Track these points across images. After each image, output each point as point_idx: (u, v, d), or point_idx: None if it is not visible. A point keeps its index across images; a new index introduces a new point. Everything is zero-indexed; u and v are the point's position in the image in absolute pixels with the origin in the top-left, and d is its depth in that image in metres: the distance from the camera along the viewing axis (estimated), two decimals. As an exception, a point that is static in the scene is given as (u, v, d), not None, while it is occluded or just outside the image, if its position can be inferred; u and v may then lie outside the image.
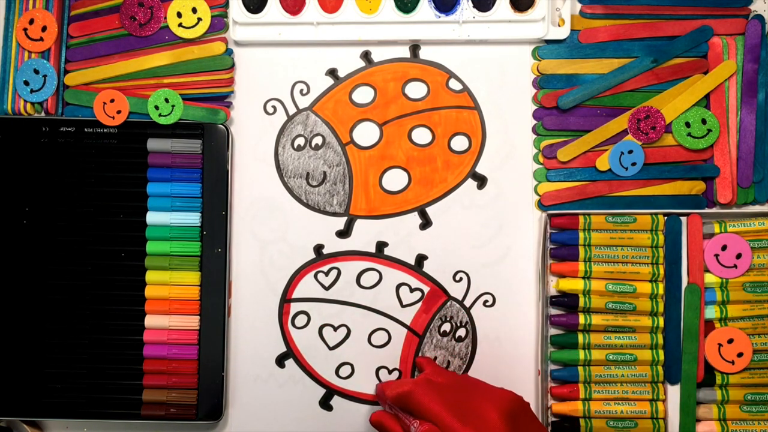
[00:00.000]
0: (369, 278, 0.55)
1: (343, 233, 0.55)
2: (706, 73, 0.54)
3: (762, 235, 0.53)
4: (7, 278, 0.53)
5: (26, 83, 0.54)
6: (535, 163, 0.55)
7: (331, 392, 0.54)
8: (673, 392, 0.53)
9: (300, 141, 0.55)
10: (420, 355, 0.54)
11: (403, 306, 0.55)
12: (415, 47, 0.56)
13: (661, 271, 0.53)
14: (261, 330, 0.54)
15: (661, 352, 0.52)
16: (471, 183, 0.55)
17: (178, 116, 0.54)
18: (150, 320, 0.53)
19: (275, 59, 0.56)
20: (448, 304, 0.55)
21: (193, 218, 0.53)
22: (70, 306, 0.53)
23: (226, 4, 0.55)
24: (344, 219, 0.55)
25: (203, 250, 0.53)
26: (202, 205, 0.54)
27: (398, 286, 0.55)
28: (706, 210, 0.54)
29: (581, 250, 0.53)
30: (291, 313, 0.55)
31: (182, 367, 0.53)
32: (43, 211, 0.53)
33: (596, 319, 0.52)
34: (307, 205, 0.55)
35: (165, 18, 0.54)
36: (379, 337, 0.54)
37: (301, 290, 0.55)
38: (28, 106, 0.54)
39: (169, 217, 0.53)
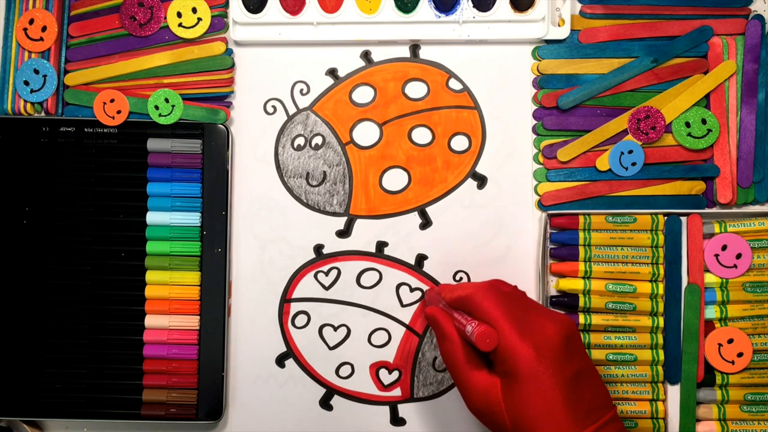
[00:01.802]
0: (369, 278, 0.55)
1: (343, 233, 0.55)
2: (706, 73, 0.54)
3: (762, 235, 0.53)
4: (7, 278, 0.53)
5: (26, 83, 0.54)
6: (535, 163, 0.55)
7: (331, 392, 0.54)
8: (673, 392, 0.53)
9: (300, 141, 0.55)
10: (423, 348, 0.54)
11: (403, 306, 0.55)
12: (415, 47, 0.56)
13: (661, 271, 0.53)
14: (261, 330, 0.54)
15: (661, 352, 0.52)
16: (471, 183, 0.55)
17: (178, 116, 0.54)
18: (150, 320, 0.53)
19: (275, 59, 0.56)
20: (448, 304, 0.55)
21: (193, 218, 0.53)
22: (70, 306, 0.53)
23: (226, 4, 0.55)
24: (344, 219, 0.55)
25: (203, 250, 0.53)
26: (202, 205, 0.54)
27: (398, 286, 0.55)
28: (706, 210, 0.54)
29: (581, 250, 0.53)
30: (291, 313, 0.55)
31: (182, 367, 0.53)
32: (43, 211, 0.53)
33: (596, 319, 0.52)
34: (307, 205, 0.55)
35: (165, 18, 0.54)
36: (379, 337, 0.54)
37: (301, 290, 0.55)
38: (28, 106, 0.54)
39: (169, 217, 0.53)
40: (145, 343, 0.53)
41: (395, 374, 0.54)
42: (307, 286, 0.55)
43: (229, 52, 0.55)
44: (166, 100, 0.54)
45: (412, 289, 0.55)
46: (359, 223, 0.55)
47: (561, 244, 0.53)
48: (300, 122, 0.55)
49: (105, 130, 0.54)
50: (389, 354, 0.54)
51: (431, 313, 0.46)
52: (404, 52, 0.56)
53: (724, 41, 0.54)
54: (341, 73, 0.56)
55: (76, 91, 0.54)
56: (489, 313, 0.43)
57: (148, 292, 0.53)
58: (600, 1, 0.55)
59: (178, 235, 0.53)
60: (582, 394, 0.41)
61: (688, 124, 0.54)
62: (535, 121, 0.55)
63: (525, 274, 0.54)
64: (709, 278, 0.53)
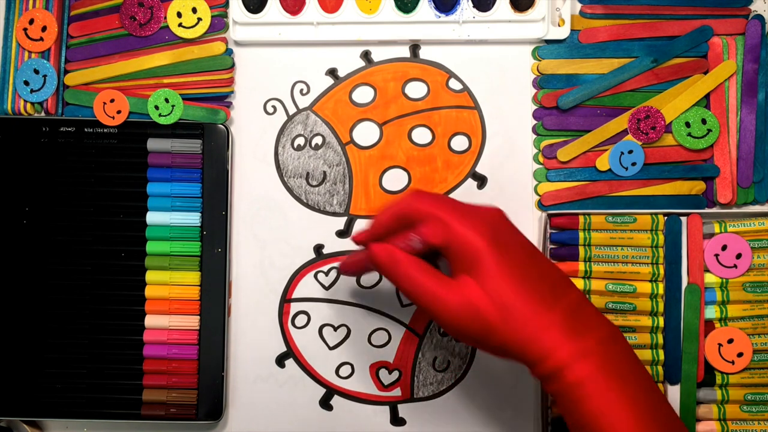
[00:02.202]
0: (369, 278, 0.55)
1: (344, 233, 0.55)
2: (706, 73, 0.54)
3: (762, 235, 0.53)
4: (7, 278, 0.53)
5: (26, 83, 0.54)
6: (535, 163, 0.55)
7: (331, 392, 0.54)
8: (673, 392, 0.53)
9: (300, 141, 0.55)
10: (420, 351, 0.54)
11: (403, 306, 0.55)
12: (415, 47, 0.56)
13: (661, 271, 0.53)
14: (261, 330, 0.54)
15: (661, 352, 0.52)
16: (471, 183, 0.55)
17: (178, 116, 0.54)
18: (150, 320, 0.53)
19: (275, 59, 0.56)
20: (448, 304, 0.55)
21: (193, 218, 0.53)
22: (70, 306, 0.53)
23: (226, 4, 0.55)
24: (344, 219, 0.55)
25: (203, 250, 0.53)
26: (202, 205, 0.54)
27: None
28: (706, 210, 0.54)
29: (581, 250, 0.53)
30: (291, 313, 0.55)
31: (182, 367, 0.53)
32: (43, 211, 0.53)
33: (596, 319, 0.52)
34: (307, 205, 0.55)
35: (165, 18, 0.54)
36: (379, 337, 0.54)
37: (301, 290, 0.55)
38: (28, 106, 0.54)
39: (169, 217, 0.53)
40: (145, 343, 0.53)
41: (395, 374, 0.54)
42: (307, 286, 0.55)
43: (229, 52, 0.55)
44: (166, 100, 0.54)
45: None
46: (359, 223, 0.55)
47: (561, 244, 0.53)
48: (300, 122, 0.55)
49: (105, 130, 0.54)
50: (389, 354, 0.54)
51: (383, 247, 0.42)
52: (404, 52, 0.56)
53: (724, 41, 0.54)
54: (341, 73, 0.56)
55: (76, 91, 0.54)
56: (429, 208, 0.41)
57: (148, 292, 0.53)
58: (600, 1, 0.55)
59: (178, 235, 0.53)
60: (541, 267, 0.41)
61: (688, 124, 0.54)
62: (535, 121, 0.55)
63: (525, 274, 0.54)
64: (709, 278, 0.53)
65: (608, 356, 0.40)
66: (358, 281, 0.55)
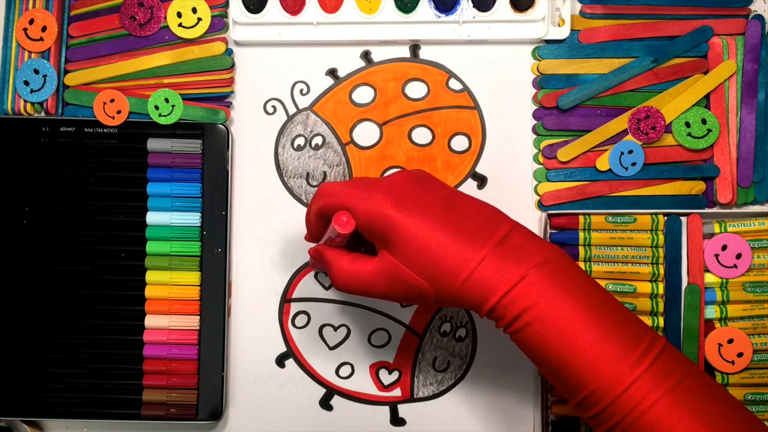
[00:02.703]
0: (369, 278, 0.55)
1: (343, 233, 0.55)
2: (706, 73, 0.54)
3: (762, 235, 0.53)
4: (7, 278, 0.53)
5: (26, 83, 0.54)
6: (535, 163, 0.55)
7: (331, 392, 0.54)
8: (673, 392, 0.53)
9: (300, 141, 0.55)
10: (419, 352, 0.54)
11: (403, 306, 0.55)
12: (415, 47, 0.56)
13: (661, 271, 0.53)
14: (261, 330, 0.54)
15: (661, 352, 0.52)
16: (471, 183, 0.55)
17: (178, 116, 0.54)
18: (150, 320, 0.53)
19: (275, 59, 0.56)
20: (448, 304, 0.55)
21: (193, 218, 0.53)
22: (70, 306, 0.53)
23: (226, 4, 0.55)
24: (344, 219, 0.55)
25: (203, 250, 0.53)
26: (202, 205, 0.54)
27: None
28: (706, 210, 0.54)
29: (581, 250, 0.53)
30: (291, 313, 0.55)
31: (182, 367, 0.53)
32: (43, 211, 0.53)
33: (596, 319, 0.52)
34: (307, 205, 0.55)
35: (165, 18, 0.54)
36: (379, 337, 0.54)
37: (301, 290, 0.55)
38: (28, 106, 0.54)
39: (169, 217, 0.53)
40: (145, 343, 0.53)
41: (395, 374, 0.54)
42: (307, 286, 0.55)
43: (229, 52, 0.55)
44: (166, 100, 0.54)
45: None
46: (359, 223, 0.55)
47: (561, 244, 0.53)
48: (300, 122, 0.55)
49: (105, 130, 0.54)
50: (389, 354, 0.54)
51: (311, 252, 0.46)
52: (404, 52, 0.56)
53: (724, 41, 0.54)
54: (341, 73, 0.56)
55: (76, 91, 0.54)
56: (336, 200, 0.42)
57: (148, 292, 0.53)
58: (600, 1, 0.55)
59: (178, 235, 0.53)
60: (463, 213, 0.41)
61: (688, 124, 0.54)
62: (535, 121, 0.55)
63: (525, 274, 0.54)
64: (709, 278, 0.53)
65: (551, 278, 0.39)
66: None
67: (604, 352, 0.38)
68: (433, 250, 0.40)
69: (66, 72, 0.54)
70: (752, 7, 0.55)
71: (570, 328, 0.38)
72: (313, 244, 0.47)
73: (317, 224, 0.45)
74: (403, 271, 0.41)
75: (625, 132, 0.54)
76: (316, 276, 0.55)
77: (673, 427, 0.37)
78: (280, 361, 0.54)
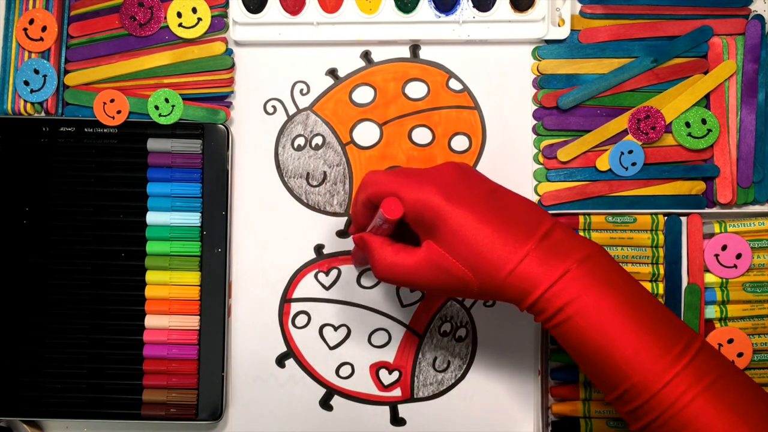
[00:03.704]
0: (369, 278, 0.55)
1: (344, 233, 0.55)
2: (706, 73, 0.54)
3: (762, 235, 0.53)
4: (7, 278, 0.53)
5: (26, 83, 0.54)
6: (535, 163, 0.55)
7: (331, 392, 0.54)
8: (673, 392, 0.53)
9: (300, 141, 0.55)
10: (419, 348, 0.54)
11: (403, 306, 0.55)
12: (415, 47, 0.56)
13: (661, 271, 0.53)
14: (261, 330, 0.54)
15: (661, 352, 0.52)
16: (471, 183, 0.55)
17: (178, 116, 0.54)
18: (150, 320, 0.53)
19: (275, 59, 0.56)
20: (449, 303, 0.55)
21: (193, 218, 0.53)
22: (69, 306, 0.53)
23: (226, 4, 0.55)
24: (344, 219, 0.55)
25: (203, 250, 0.53)
26: (202, 205, 0.54)
27: (398, 286, 0.55)
28: (706, 210, 0.54)
29: (581, 250, 0.53)
30: (291, 313, 0.55)
31: (182, 367, 0.53)
32: (43, 211, 0.53)
33: (596, 319, 0.52)
34: (307, 205, 0.55)
35: (165, 18, 0.54)
36: (380, 337, 0.54)
37: (301, 290, 0.55)
38: (28, 106, 0.54)
39: (169, 217, 0.53)
40: (145, 343, 0.53)
41: (395, 374, 0.54)
42: (307, 286, 0.55)
43: (229, 52, 0.55)
44: (166, 100, 0.54)
45: (412, 290, 0.55)
46: (359, 223, 0.55)
47: (561, 244, 0.53)
48: (300, 122, 0.55)
49: (105, 130, 0.54)
50: (389, 354, 0.54)
51: (356, 238, 0.46)
52: (404, 52, 0.56)
53: (724, 41, 0.54)
54: (341, 73, 0.56)
55: (76, 91, 0.54)
56: (384, 187, 0.43)
57: (148, 292, 0.53)
58: (600, 1, 0.55)
59: (178, 235, 0.53)
60: (507, 207, 0.42)
61: (688, 124, 0.54)
62: (535, 121, 0.55)
63: (525, 274, 0.54)
64: (709, 278, 0.53)
65: (592, 274, 0.40)
66: (358, 280, 0.55)
67: (644, 347, 0.39)
68: (480, 242, 0.40)
69: (66, 72, 0.54)
70: (752, 7, 0.55)
71: (612, 323, 0.39)
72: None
73: (364, 214, 0.45)
74: (449, 261, 0.41)
75: (625, 132, 0.54)
76: (316, 276, 0.55)
77: (711, 423, 0.38)
78: (280, 361, 0.54)
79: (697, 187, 0.54)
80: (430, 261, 0.42)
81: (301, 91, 0.55)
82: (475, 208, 0.41)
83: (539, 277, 0.40)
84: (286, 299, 0.55)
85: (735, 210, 0.54)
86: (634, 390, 0.39)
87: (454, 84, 0.55)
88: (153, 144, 0.54)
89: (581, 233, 0.53)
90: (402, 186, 0.42)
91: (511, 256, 0.40)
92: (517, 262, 0.40)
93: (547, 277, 0.40)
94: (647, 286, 0.52)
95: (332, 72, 0.56)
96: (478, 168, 0.55)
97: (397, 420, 0.54)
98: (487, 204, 0.42)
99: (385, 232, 0.44)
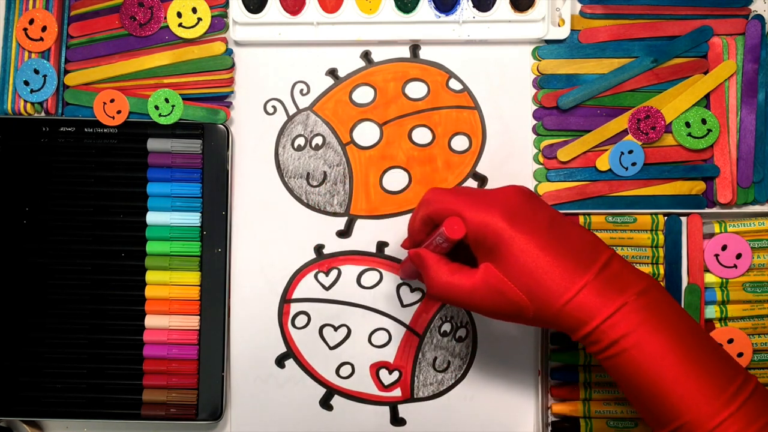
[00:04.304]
0: (369, 278, 0.55)
1: (344, 233, 0.55)
2: (706, 73, 0.54)
3: (762, 235, 0.53)
4: (7, 278, 0.53)
5: (26, 83, 0.54)
6: (535, 163, 0.55)
7: (331, 392, 0.54)
8: (673, 392, 0.53)
9: (300, 141, 0.55)
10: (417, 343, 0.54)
11: (403, 306, 0.55)
12: (415, 47, 0.56)
13: (661, 271, 0.53)
14: (261, 330, 0.54)
15: (661, 352, 0.52)
16: (471, 183, 0.55)
17: (178, 116, 0.54)
18: (150, 320, 0.53)
19: (275, 59, 0.56)
20: (449, 304, 0.55)
21: (193, 218, 0.53)
22: (69, 306, 0.53)
23: (226, 4, 0.55)
24: (344, 219, 0.55)
25: (203, 250, 0.53)
26: (202, 205, 0.54)
27: (398, 286, 0.55)
28: (706, 210, 0.54)
29: (581, 250, 0.53)
30: (291, 313, 0.55)
31: (182, 367, 0.53)
32: (43, 211, 0.53)
33: (596, 319, 0.52)
34: (307, 205, 0.55)
35: (165, 18, 0.54)
36: (380, 337, 0.54)
37: (301, 290, 0.55)
38: (28, 106, 0.54)
39: (169, 217, 0.53)
40: (145, 343, 0.53)
41: (395, 374, 0.54)
42: (307, 287, 0.55)
43: (229, 52, 0.55)
44: (166, 100, 0.54)
45: (412, 289, 0.55)
46: (360, 224, 0.55)
47: (561, 244, 0.53)
48: (300, 122, 0.55)
49: (105, 130, 0.54)
50: (389, 354, 0.54)
51: (415, 252, 0.45)
52: (404, 52, 0.56)
53: (724, 41, 0.54)
54: (341, 73, 0.56)
55: (76, 91, 0.54)
56: (447, 206, 0.43)
57: (148, 292, 0.53)
58: (600, 1, 0.55)
59: (178, 235, 0.53)
60: (567, 236, 0.41)
61: (688, 124, 0.54)
62: (535, 121, 0.55)
63: (525, 274, 0.54)
64: (709, 278, 0.53)
65: (649, 308, 0.40)
66: (358, 280, 0.55)
67: (699, 385, 0.38)
68: (540, 269, 0.40)
69: (66, 72, 0.54)
70: (752, 7, 0.55)
71: (667, 358, 0.39)
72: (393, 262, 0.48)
73: (422, 230, 0.46)
74: (507, 285, 0.41)
75: (625, 132, 0.54)
76: (316, 276, 0.55)
77: None
78: (280, 361, 0.54)
79: (697, 187, 0.54)
80: (488, 284, 0.42)
81: (301, 91, 0.55)
82: (537, 235, 0.41)
83: (596, 309, 0.39)
84: (285, 299, 0.55)
85: (735, 210, 0.54)
86: (685, 428, 0.39)
87: (454, 84, 0.55)
88: (153, 144, 0.54)
89: (581, 233, 0.53)
90: (466, 206, 0.42)
91: (570, 285, 0.40)
92: (575, 292, 0.40)
93: (605, 309, 0.39)
94: (647, 286, 0.53)
95: (332, 72, 0.56)
96: (478, 168, 0.55)
97: (397, 420, 0.54)
98: (548, 231, 0.41)
99: (442, 251, 0.44)
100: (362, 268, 0.55)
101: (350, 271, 0.55)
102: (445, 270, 0.43)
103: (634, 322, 0.39)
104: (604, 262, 0.41)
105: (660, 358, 0.39)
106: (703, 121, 0.54)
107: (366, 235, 0.55)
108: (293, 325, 0.55)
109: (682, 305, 0.53)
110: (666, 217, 0.53)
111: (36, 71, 0.54)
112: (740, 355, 0.52)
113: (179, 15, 0.54)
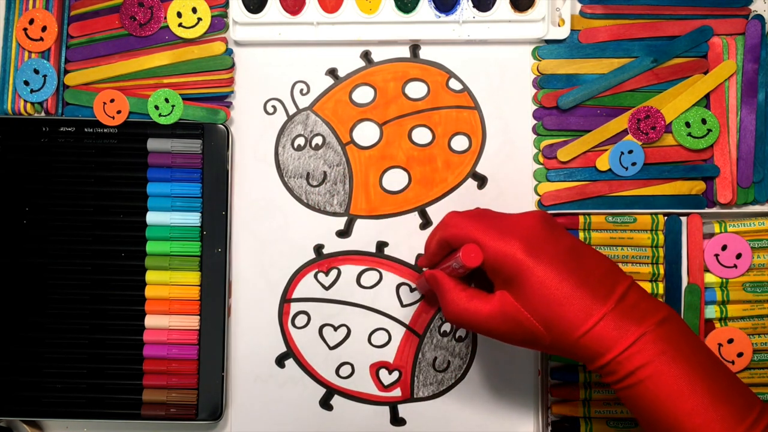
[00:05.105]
0: (369, 278, 0.55)
1: (344, 233, 0.55)
2: (706, 73, 0.54)
3: (762, 235, 0.53)
4: (7, 278, 0.53)
5: (26, 83, 0.54)
6: (535, 163, 0.55)
7: (331, 392, 0.54)
8: (673, 392, 0.53)
9: (300, 141, 0.55)
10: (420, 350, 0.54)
11: (403, 306, 0.55)
12: (415, 47, 0.56)
13: (661, 271, 0.53)
14: (261, 330, 0.54)
15: (661, 352, 0.52)
16: (471, 183, 0.55)
17: (178, 116, 0.54)
18: (150, 320, 0.53)
19: (275, 59, 0.56)
20: (448, 304, 0.55)
21: (193, 218, 0.53)
22: (69, 306, 0.53)
23: (226, 4, 0.55)
24: (344, 219, 0.55)
25: (203, 250, 0.53)
26: (202, 205, 0.54)
27: (398, 286, 0.55)
28: (706, 210, 0.54)
29: (581, 250, 0.53)
30: (291, 313, 0.55)
31: (182, 367, 0.53)
32: (43, 211, 0.53)
33: (596, 319, 0.52)
34: (307, 205, 0.55)
35: (165, 18, 0.54)
36: (380, 337, 0.54)
37: (301, 290, 0.55)
38: (28, 106, 0.54)
39: (169, 217, 0.53)
40: (145, 343, 0.53)
41: (395, 374, 0.54)
42: (307, 286, 0.55)
43: (229, 52, 0.55)
44: (166, 100, 0.54)
45: (412, 289, 0.55)
46: (359, 223, 0.55)
47: (561, 244, 0.53)
48: (300, 122, 0.55)
49: (105, 130, 0.54)
50: (389, 354, 0.54)
51: (430, 273, 0.46)
52: (404, 52, 0.56)
53: (724, 41, 0.54)
54: (341, 73, 0.56)
55: (76, 91, 0.54)
56: (464, 232, 0.43)
57: (148, 292, 0.53)
58: (600, 1, 0.55)
59: (178, 235, 0.53)
60: (585, 265, 0.41)
61: (688, 124, 0.54)
62: (535, 121, 0.55)
63: (525, 274, 0.54)
64: (709, 278, 0.53)
65: (666, 339, 0.39)
66: (358, 280, 0.55)
67: (716, 417, 0.38)
68: (558, 300, 0.40)
69: (66, 72, 0.54)
70: (752, 7, 0.55)
71: (684, 389, 0.39)
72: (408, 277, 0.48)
73: (437, 253, 0.46)
74: (524, 315, 0.41)
75: (625, 132, 0.54)
76: (315, 276, 0.55)
77: None
78: (280, 361, 0.54)
79: (697, 187, 0.54)
80: (504, 313, 0.42)
81: (301, 91, 0.55)
82: (555, 266, 0.40)
83: (614, 340, 0.39)
84: (285, 299, 0.55)
85: (735, 210, 0.54)
86: None
87: (454, 84, 0.55)
88: (153, 144, 0.54)
89: (581, 233, 0.53)
90: (484, 234, 0.42)
91: (588, 317, 0.40)
92: (593, 324, 0.40)
93: (622, 341, 0.39)
94: (647, 286, 0.52)
95: (332, 72, 0.56)
96: (478, 168, 0.55)
97: (397, 420, 0.54)
98: (567, 261, 0.41)
99: (459, 275, 0.44)
100: (362, 267, 0.55)
101: (350, 270, 0.55)
102: (462, 296, 0.43)
103: (651, 354, 0.39)
104: (622, 292, 0.40)
105: (677, 388, 0.39)
106: (703, 121, 0.54)
107: (366, 235, 0.55)
108: (293, 324, 0.55)
109: (682, 305, 0.53)
110: (666, 217, 0.53)
111: (36, 71, 0.54)
112: (740, 355, 0.52)
113: (179, 15, 0.54)
